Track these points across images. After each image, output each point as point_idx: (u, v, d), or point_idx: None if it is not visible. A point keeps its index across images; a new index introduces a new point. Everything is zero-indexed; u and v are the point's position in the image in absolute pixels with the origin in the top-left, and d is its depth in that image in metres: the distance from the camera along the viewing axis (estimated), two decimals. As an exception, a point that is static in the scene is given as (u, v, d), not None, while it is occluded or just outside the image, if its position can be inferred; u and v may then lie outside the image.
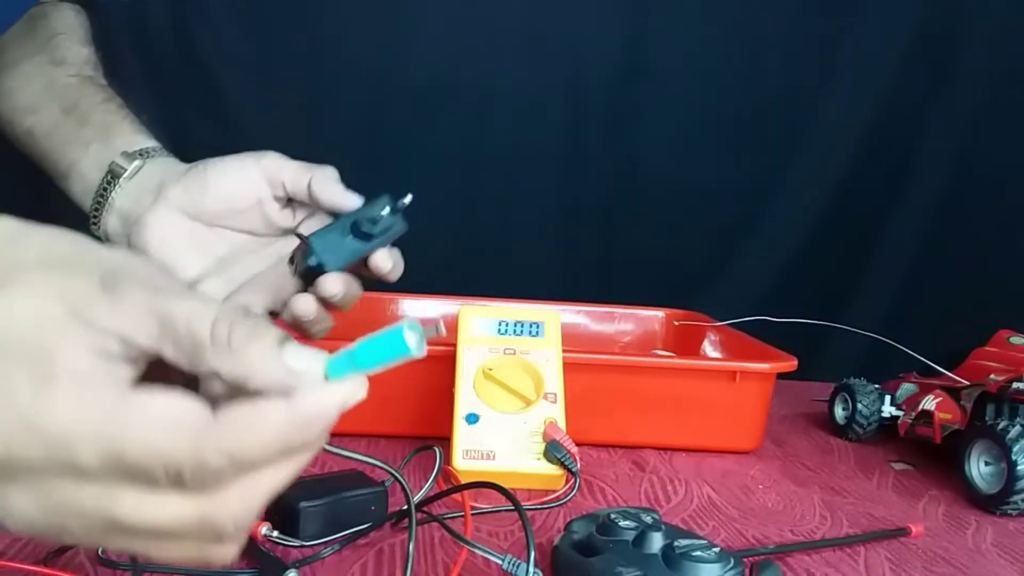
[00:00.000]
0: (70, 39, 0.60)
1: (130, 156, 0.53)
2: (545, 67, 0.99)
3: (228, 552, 0.29)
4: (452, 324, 0.69)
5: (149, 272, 0.30)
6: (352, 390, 0.29)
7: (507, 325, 0.68)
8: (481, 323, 0.68)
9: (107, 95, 0.57)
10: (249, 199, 0.49)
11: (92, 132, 0.54)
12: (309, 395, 0.28)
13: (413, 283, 0.92)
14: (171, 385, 0.28)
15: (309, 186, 0.48)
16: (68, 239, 0.30)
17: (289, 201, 0.50)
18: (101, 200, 0.52)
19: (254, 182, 0.49)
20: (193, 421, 0.27)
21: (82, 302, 0.27)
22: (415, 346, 0.29)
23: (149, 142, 0.54)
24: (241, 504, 0.28)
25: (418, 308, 0.91)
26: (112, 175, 0.52)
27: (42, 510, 0.27)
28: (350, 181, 0.48)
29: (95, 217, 0.53)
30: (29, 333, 0.27)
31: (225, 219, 0.49)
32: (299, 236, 0.47)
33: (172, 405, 0.27)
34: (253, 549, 0.46)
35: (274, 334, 0.29)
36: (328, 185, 0.48)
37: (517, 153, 1.00)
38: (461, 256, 1.00)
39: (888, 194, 1.03)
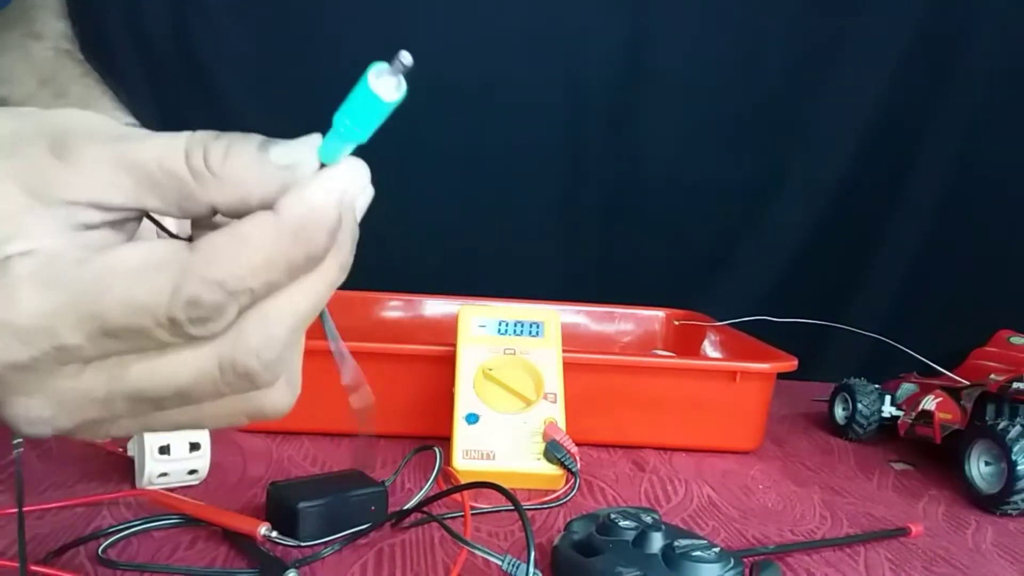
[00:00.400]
0: (46, 12, 0.58)
1: None
2: (545, 67, 0.99)
3: (277, 399, 0.27)
4: (452, 324, 0.69)
5: (100, 123, 0.26)
6: (346, 171, 0.26)
7: (507, 325, 0.68)
8: (481, 323, 0.68)
9: (85, 69, 0.55)
10: None
11: (70, 105, 0.52)
12: (293, 194, 0.25)
13: (413, 283, 0.93)
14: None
15: None
16: (13, 119, 0.26)
17: None
18: None
19: None
20: (170, 260, 0.24)
21: (37, 178, 0.24)
22: (391, 90, 0.25)
23: (128, 119, 0.53)
24: (260, 335, 0.25)
25: (418, 308, 0.92)
26: None
27: (58, 408, 0.25)
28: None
29: None
30: None
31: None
32: None
33: (144, 251, 0.24)
34: (253, 549, 0.46)
35: (254, 141, 0.26)
36: None
37: (517, 153, 1.00)
38: (461, 256, 1.00)
39: (888, 194, 1.03)
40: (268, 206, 0.25)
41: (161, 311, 0.24)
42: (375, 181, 0.36)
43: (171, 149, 0.25)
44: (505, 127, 0.99)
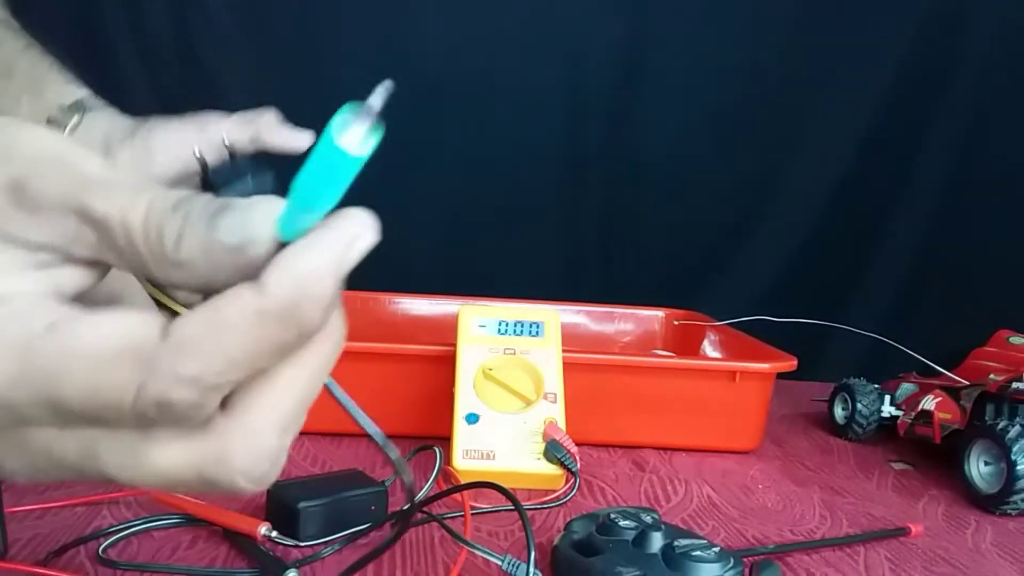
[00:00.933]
0: None
1: (67, 110, 0.48)
2: (545, 67, 1.00)
3: (268, 476, 0.23)
4: (452, 324, 0.69)
5: (65, 158, 0.23)
6: (345, 233, 0.21)
7: (507, 325, 0.68)
8: (481, 323, 0.68)
9: (27, 41, 0.53)
10: (192, 163, 0.46)
11: (20, 84, 0.50)
12: (280, 268, 0.21)
13: (413, 283, 0.93)
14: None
15: (257, 135, 0.45)
16: None
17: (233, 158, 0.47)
18: None
19: (193, 144, 0.46)
20: (136, 347, 0.21)
21: None
22: (356, 143, 0.21)
23: (81, 91, 0.51)
24: (252, 436, 0.22)
25: (418, 308, 0.92)
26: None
27: (29, 465, 0.23)
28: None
29: None
30: None
31: (175, 185, 0.47)
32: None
33: (112, 330, 0.21)
34: (253, 549, 0.46)
35: (205, 215, 0.21)
36: (275, 129, 0.46)
37: (517, 153, 1.00)
38: (461, 256, 1.00)
39: (888, 194, 1.03)
40: (235, 283, 0.21)
41: (126, 408, 0.21)
42: (376, 180, 0.37)
43: (134, 214, 0.22)
44: (505, 127, 0.99)
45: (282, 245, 0.22)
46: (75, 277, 0.23)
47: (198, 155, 0.45)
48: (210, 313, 0.21)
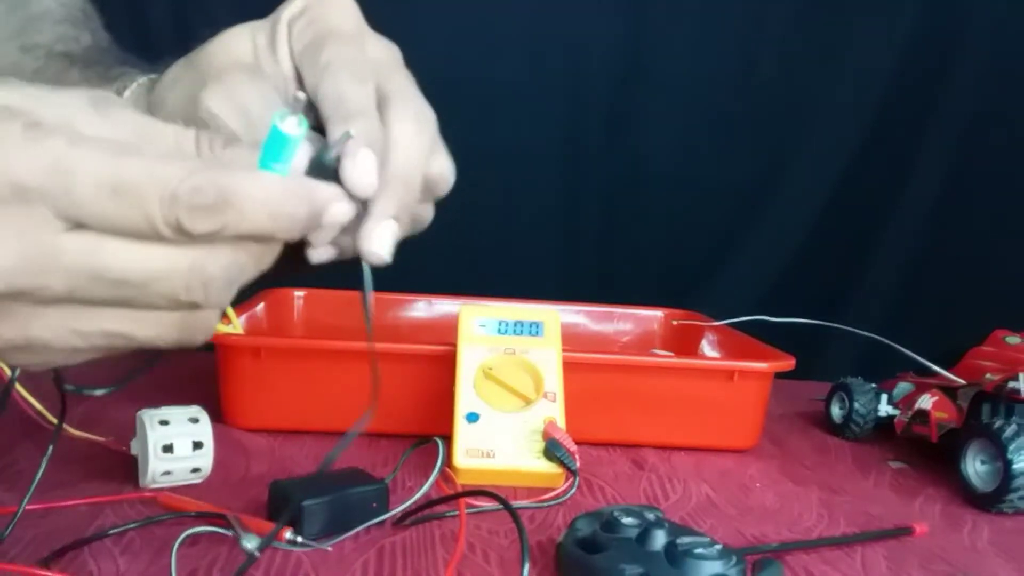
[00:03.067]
0: (44, 22, 0.56)
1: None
2: (545, 67, 1.00)
3: (210, 323, 0.30)
4: (452, 324, 0.69)
5: (127, 103, 0.32)
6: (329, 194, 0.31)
7: (507, 325, 0.68)
8: (481, 323, 0.68)
9: (67, 63, 0.51)
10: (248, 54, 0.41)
11: None
12: (305, 179, 0.31)
13: (413, 283, 0.93)
14: None
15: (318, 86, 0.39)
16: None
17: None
18: None
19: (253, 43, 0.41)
20: (194, 149, 0.29)
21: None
22: (295, 132, 0.31)
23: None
24: (229, 266, 0.29)
25: (418, 308, 0.92)
26: None
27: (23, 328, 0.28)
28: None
29: None
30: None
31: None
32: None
33: (176, 131, 0.29)
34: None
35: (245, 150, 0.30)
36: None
37: (517, 153, 1.00)
38: (461, 256, 1.00)
39: (886, 194, 1.04)
40: None
41: (169, 187, 0.27)
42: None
43: (185, 135, 0.30)
44: (505, 127, 1.00)
45: None
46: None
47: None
48: (256, 172, 0.30)
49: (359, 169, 0.33)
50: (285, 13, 0.39)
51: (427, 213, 0.42)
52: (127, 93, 0.44)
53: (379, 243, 0.34)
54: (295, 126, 0.31)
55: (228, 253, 0.29)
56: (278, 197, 0.29)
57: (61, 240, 0.27)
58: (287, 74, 0.38)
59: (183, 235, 0.27)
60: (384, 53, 0.42)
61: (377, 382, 0.39)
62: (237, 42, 0.40)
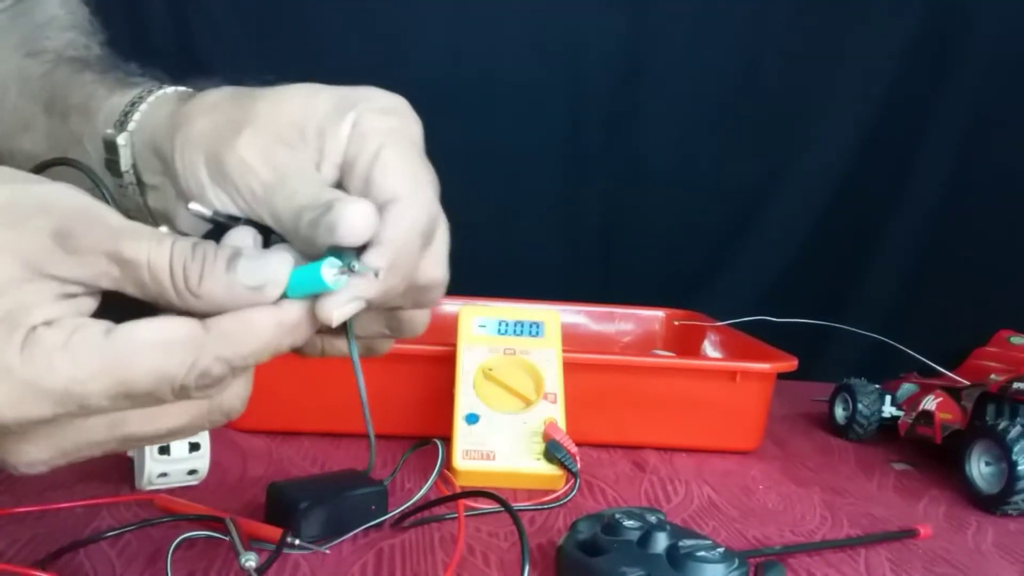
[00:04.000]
0: (51, 28, 0.54)
1: (117, 125, 0.42)
2: (545, 67, 0.99)
3: (240, 408, 0.32)
4: (452, 324, 0.69)
5: (99, 211, 0.30)
6: (347, 298, 0.31)
7: (507, 325, 0.68)
8: (481, 323, 0.68)
9: (79, 67, 0.48)
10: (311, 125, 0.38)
11: (77, 122, 0.46)
12: (295, 303, 0.30)
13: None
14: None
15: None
16: (5, 186, 0.29)
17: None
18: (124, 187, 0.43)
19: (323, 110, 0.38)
20: (186, 336, 0.29)
21: (37, 257, 0.28)
22: (332, 281, 0.31)
23: (128, 95, 0.44)
24: (242, 389, 0.32)
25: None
26: (109, 162, 0.43)
27: (57, 452, 0.29)
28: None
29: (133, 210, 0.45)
30: None
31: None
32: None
33: (161, 327, 0.29)
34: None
35: (223, 258, 0.29)
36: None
37: (517, 153, 1.00)
38: (461, 256, 1.00)
39: (888, 194, 1.03)
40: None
41: (178, 380, 0.28)
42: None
43: (159, 257, 0.29)
44: (505, 127, 0.99)
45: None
46: (91, 304, 0.29)
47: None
48: (243, 315, 0.29)
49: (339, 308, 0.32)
50: (366, 103, 0.37)
51: (419, 319, 0.40)
52: (151, 98, 0.43)
53: (339, 307, 0.32)
54: (335, 277, 0.31)
55: (240, 384, 0.32)
56: (273, 338, 0.30)
57: (87, 430, 0.29)
58: (331, 153, 0.36)
59: (197, 397, 0.30)
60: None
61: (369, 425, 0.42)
62: (295, 100, 0.39)
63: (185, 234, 0.34)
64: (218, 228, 0.35)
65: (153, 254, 0.29)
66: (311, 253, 0.32)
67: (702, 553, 0.41)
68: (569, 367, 0.66)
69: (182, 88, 0.44)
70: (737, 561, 0.41)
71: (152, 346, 0.28)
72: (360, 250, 0.32)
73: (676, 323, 0.93)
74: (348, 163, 0.36)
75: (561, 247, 1.04)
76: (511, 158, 1.00)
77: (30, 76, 0.49)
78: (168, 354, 0.28)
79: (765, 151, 1.03)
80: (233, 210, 0.35)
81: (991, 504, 0.62)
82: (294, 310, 0.30)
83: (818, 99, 1.02)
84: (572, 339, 0.83)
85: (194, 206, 0.35)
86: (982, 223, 1.02)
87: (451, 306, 0.88)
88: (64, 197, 0.30)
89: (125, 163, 0.42)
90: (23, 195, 0.29)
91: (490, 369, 0.65)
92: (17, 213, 0.28)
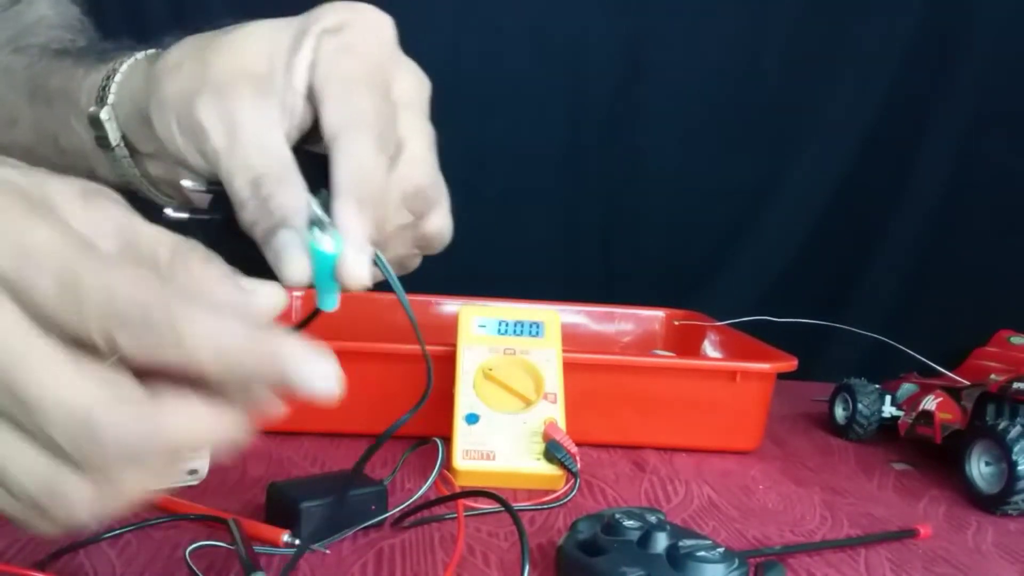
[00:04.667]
0: (39, 27, 0.54)
1: (97, 101, 0.42)
2: (545, 67, 0.99)
3: (83, 504, 0.26)
4: (452, 324, 0.69)
5: (117, 198, 0.29)
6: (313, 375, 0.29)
7: (507, 325, 0.68)
8: (481, 323, 0.68)
9: (61, 55, 0.48)
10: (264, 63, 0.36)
11: (61, 107, 0.45)
12: (276, 336, 0.27)
13: (413, 283, 0.92)
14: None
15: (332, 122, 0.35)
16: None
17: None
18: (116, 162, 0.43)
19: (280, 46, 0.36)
20: (169, 261, 0.28)
21: (61, 198, 0.27)
22: (333, 248, 0.31)
23: (103, 71, 0.43)
24: (143, 432, 0.25)
25: (419, 308, 0.91)
26: (99, 138, 0.42)
27: None
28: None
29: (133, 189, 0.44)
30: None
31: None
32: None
33: (157, 236, 0.28)
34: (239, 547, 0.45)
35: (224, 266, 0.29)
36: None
37: (517, 153, 1.00)
38: (461, 256, 1.00)
39: (888, 194, 1.03)
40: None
41: (117, 302, 0.25)
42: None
43: (164, 237, 0.29)
44: (505, 127, 0.99)
45: (316, 312, 0.34)
46: None
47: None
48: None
49: (354, 267, 0.32)
50: (318, 25, 0.36)
51: (437, 229, 0.42)
52: (124, 68, 0.42)
53: (356, 269, 0.32)
54: (332, 244, 0.31)
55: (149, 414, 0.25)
56: (235, 348, 0.25)
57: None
58: (298, 87, 0.35)
59: (114, 353, 0.25)
60: (411, 92, 0.39)
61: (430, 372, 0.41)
62: (253, 44, 0.36)
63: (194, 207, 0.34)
64: (221, 197, 0.34)
65: (160, 234, 0.29)
66: (267, 224, 0.32)
67: (702, 553, 0.41)
68: (569, 367, 0.66)
69: (151, 51, 0.43)
70: (737, 561, 0.41)
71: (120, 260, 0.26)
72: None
73: (676, 323, 0.93)
74: (314, 96, 0.35)
75: (561, 247, 1.04)
76: (511, 158, 1.00)
77: (15, 70, 0.49)
78: (121, 270, 0.25)
79: (765, 150, 1.03)
80: None
81: (991, 504, 0.61)
82: (267, 342, 0.26)
83: (818, 99, 1.02)
84: (572, 339, 0.83)
85: (185, 183, 0.35)
86: (982, 223, 1.02)
87: (451, 306, 0.89)
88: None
89: (114, 137, 0.41)
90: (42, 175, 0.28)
91: (490, 369, 0.65)
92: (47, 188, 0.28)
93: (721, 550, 0.41)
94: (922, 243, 1.03)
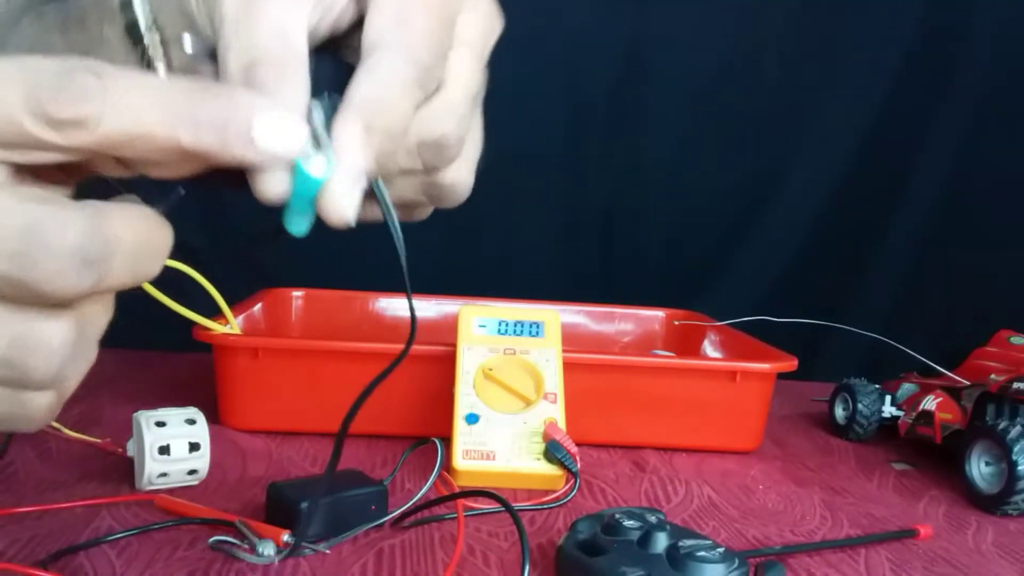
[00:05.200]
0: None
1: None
2: (545, 67, 0.99)
3: (42, 406, 0.25)
4: (452, 324, 0.69)
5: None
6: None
7: (507, 325, 0.68)
8: (481, 323, 0.68)
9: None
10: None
11: (94, 19, 0.40)
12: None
13: (413, 283, 0.92)
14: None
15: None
16: None
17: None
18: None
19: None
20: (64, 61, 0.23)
21: None
22: (319, 172, 0.27)
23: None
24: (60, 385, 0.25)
25: (417, 308, 0.91)
26: (129, 28, 0.37)
27: None
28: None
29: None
30: None
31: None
32: None
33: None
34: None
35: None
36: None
37: (517, 153, 1.00)
38: (461, 256, 1.00)
39: (888, 194, 1.03)
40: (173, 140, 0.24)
41: (39, 92, 0.22)
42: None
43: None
44: (505, 127, 0.99)
45: (279, 230, 0.28)
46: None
47: None
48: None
49: (340, 200, 0.27)
50: None
51: (454, 181, 0.36)
52: None
53: (341, 200, 0.27)
54: (322, 167, 0.26)
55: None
56: (176, 94, 0.23)
57: None
58: None
59: (48, 127, 0.23)
60: (474, 29, 0.34)
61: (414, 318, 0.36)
62: None
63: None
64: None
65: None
66: None
67: (702, 553, 0.40)
68: (569, 367, 0.66)
69: None
70: (737, 561, 0.41)
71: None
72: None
73: (676, 323, 0.93)
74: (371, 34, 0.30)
75: (561, 247, 1.04)
76: (511, 158, 1.00)
77: (45, 12, 0.43)
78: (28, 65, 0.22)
79: (765, 150, 1.03)
80: None
81: (991, 504, 0.61)
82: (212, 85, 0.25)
83: (818, 99, 1.02)
84: (572, 339, 0.83)
85: (186, 36, 0.30)
86: (983, 223, 1.02)
87: (451, 306, 0.89)
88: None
89: (145, 20, 0.36)
90: None
91: (490, 369, 0.65)
92: None
93: (721, 550, 0.41)
94: (922, 243, 1.03)
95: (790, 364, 0.72)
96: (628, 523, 0.44)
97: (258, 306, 0.84)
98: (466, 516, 0.52)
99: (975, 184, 1.02)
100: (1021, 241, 1.02)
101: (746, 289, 1.03)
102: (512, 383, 0.64)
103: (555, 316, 0.69)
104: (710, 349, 0.88)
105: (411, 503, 0.52)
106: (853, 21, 1.01)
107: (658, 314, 0.95)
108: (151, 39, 0.35)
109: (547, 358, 0.66)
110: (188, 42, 0.29)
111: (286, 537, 0.46)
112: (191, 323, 0.66)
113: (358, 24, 0.30)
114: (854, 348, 0.94)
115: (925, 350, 0.73)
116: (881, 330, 0.78)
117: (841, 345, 0.97)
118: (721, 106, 1.02)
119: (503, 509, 0.54)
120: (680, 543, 0.42)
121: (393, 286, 0.92)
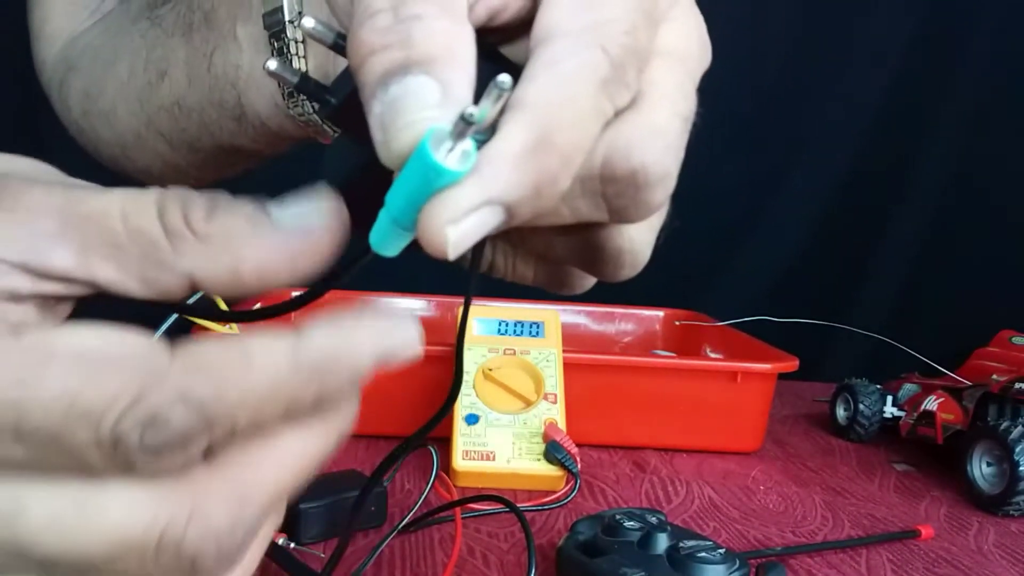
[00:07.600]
0: None
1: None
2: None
3: (234, 555, 0.19)
4: (452, 324, 0.68)
5: (47, 170, 0.21)
6: (395, 332, 0.20)
7: (507, 325, 0.68)
8: (481, 323, 0.68)
9: None
10: None
11: (226, 18, 0.37)
12: (328, 324, 0.19)
13: (413, 283, 0.92)
14: None
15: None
16: None
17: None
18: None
19: None
20: (138, 357, 0.18)
21: None
22: (454, 163, 0.18)
23: None
24: (236, 498, 0.18)
25: (418, 308, 0.91)
26: (278, 49, 0.34)
27: None
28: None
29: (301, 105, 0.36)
30: None
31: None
32: None
33: (105, 337, 0.18)
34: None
35: (246, 202, 0.20)
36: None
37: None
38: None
39: (889, 194, 1.03)
40: (267, 285, 0.20)
41: (108, 422, 0.17)
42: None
43: (139, 203, 0.19)
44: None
45: (366, 251, 0.22)
46: (28, 318, 0.19)
47: None
48: (235, 341, 0.18)
49: (458, 217, 0.20)
50: None
51: (639, 240, 0.27)
52: None
53: (459, 228, 0.20)
54: (459, 159, 0.18)
55: (224, 485, 0.18)
56: (301, 377, 0.19)
57: None
58: None
59: (137, 480, 0.18)
60: (682, 45, 0.27)
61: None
62: None
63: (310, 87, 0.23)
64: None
65: (131, 201, 0.19)
66: (394, 57, 0.20)
67: (703, 554, 0.40)
68: (569, 367, 0.66)
69: None
70: (738, 562, 0.40)
71: (73, 359, 0.17)
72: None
73: (676, 323, 0.93)
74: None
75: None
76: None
77: (163, 15, 0.42)
78: (94, 374, 0.17)
79: (765, 151, 1.03)
80: None
81: (993, 505, 0.61)
82: (325, 336, 0.19)
83: (818, 99, 1.02)
84: (572, 339, 0.83)
85: (307, 21, 0.22)
86: (984, 222, 1.02)
87: (451, 306, 0.88)
88: (6, 158, 0.21)
89: (290, 11, 0.33)
90: None
91: (490, 369, 0.65)
92: None
93: (722, 551, 0.41)
94: (923, 243, 1.03)
95: (791, 364, 0.71)
96: (628, 524, 0.44)
97: (257, 306, 0.83)
98: (467, 518, 0.52)
99: (976, 184, 1.02)
100: (1021, 241, 1.01)
101: (747, 289, 1.03)
102: (512, 383, 0.64)
103: (555, 316, 0.69)
104: (711, 349, 0.88)
105: (413, 512, 0.52)
106: (854, 20, 1.01)
107: (658, 314, 0.94)
108: (293, 34, 0.32)
109: (547, 358, 0.66)
110: (310, 24, 0.22)
111: (282, 541, 0.46)
112: (191, 323, 0.65)
113: (525, 21, 0.23)
114: (855, 348, 0.94)
115: (926, 350, 0.73)
116: (882, 330, 0.78)
117: (842, 345, 0.97)
118: (721, 105, 1.01)
119: (503, 510, 0.53)
120: (681, 544, 0.41)
121: (394, 286, 0.92)
